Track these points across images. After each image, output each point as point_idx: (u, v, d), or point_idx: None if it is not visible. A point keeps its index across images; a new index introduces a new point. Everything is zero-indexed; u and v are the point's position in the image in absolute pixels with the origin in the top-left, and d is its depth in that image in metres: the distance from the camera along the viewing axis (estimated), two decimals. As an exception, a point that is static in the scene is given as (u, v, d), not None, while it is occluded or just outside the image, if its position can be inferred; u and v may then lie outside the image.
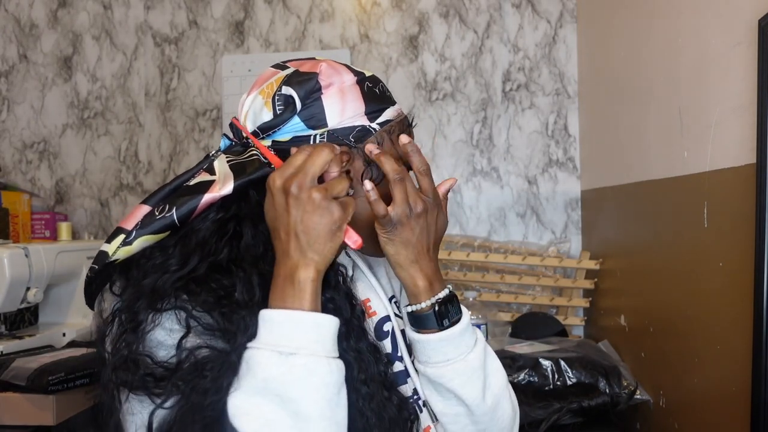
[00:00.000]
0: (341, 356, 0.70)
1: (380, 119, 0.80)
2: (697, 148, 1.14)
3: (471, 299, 1.66)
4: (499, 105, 2.05)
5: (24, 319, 1.68)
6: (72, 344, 1.64)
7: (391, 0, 2.08)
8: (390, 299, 0.90)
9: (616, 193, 1.65)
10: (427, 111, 2.07)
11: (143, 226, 0.74)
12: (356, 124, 0.78)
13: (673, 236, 1.26)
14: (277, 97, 0.78)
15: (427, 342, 0.78)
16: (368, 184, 0.75)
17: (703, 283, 1.13)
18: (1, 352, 1.49)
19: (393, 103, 0.83)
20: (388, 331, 0.86)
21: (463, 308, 0.81)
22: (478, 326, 1.54)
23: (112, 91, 2.19)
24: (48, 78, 2.22)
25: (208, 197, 0.74)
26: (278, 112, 0.78)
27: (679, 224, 1.22)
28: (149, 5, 2.18)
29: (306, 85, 0.77)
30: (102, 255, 0.74)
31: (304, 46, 2.11)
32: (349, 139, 0.78)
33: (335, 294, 0.75)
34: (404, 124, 0.83)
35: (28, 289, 1.54)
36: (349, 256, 0.89)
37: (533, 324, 1.75)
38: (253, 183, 0.75)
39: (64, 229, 1.81)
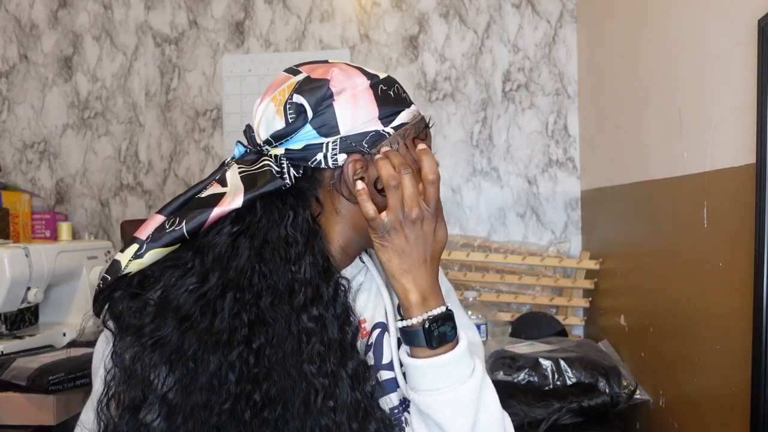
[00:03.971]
0: (311, 379, 0.70)
1: (394, 123, 0.79)
2: (697, 148, 1.14)
3: (471, 299, 1.65)
4: (499, 105, 2.05)
5: (24, 319, 1.68)
6: (72, 344, 1.64)
7: (391, 0, 2.09)
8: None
9: (616, 193, 1.65)
10: (427, 111, 2.07)
11: (154, 239, 0.74)
12: (369, 129, 0.77)
13: (673, 236, 1.26)
14: (288, 106, 0.77)
15: (417, 367, 0.74)
16: (360, 184, 0.75)
17: (703, 283, 1.13)
18: (2, 352, 1.49)
19: (408, 105, 0.82)
20: (371, 344, 0.83)
21: (462, 335, 0.76)
22: (478, 327, 1.54)
23: (112, 91, 2.20)
24: (48, 78, 2.22)
25: (217, 211, 0.73)
26: (290, 120, 0.76)
27: (679, 224, 1.22)
28: (149, 5, 2.18)
29: (317, 92, 0.76)
30: (116, 265, 0.74)
31: (304, 47, 2.12)
32: (362, 145, 0.77)
33: (325, 311, 0.73)
34: (420, 127, 0.82)
35: (28, 289, 1.54)
36: (362, 261, 0.88)
37: (533, 324, 1.75)
38: (262, 196, 0.74)
39: (64, 229, 1.81)
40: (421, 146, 0.77)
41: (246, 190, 0.74)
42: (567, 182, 2.03)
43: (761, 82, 0.91)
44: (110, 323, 0.74)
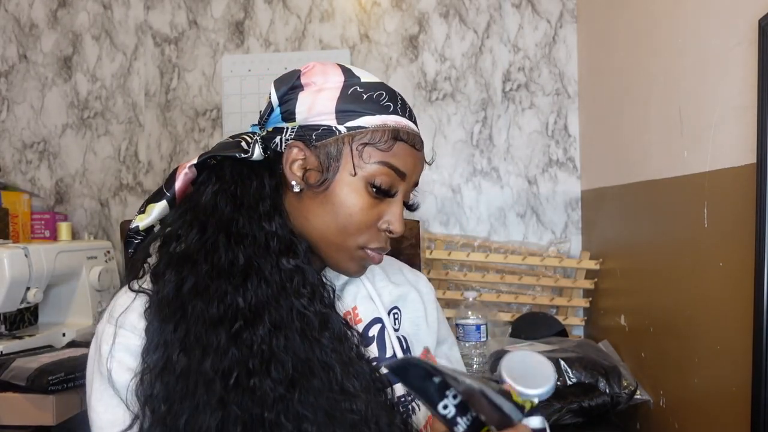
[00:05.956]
0: (303, 311, 0.75)
1: (350, 123, 0.78)
2: (697, 148, 1.14)
3: (471, 299, 1.65)
4: (499, 105, 2.05)
5: (24, 319, 1.68)
6: (72, 344, 1.64)
7: (391, 0, 2.08)
8: (390, 311, 0.91)
9: (616, 193, 1.65)
10: (427, 111, 2.07)
11: (151, 195, 0.85)
12: (322, 123, 0.79)
13: (673, 236, 1.26)
14: (271, 93, 0.84)
15: None
16: None
17: (703, 283, 1.13)
18: (1, 352, 1.49)
19: (382, 112, 0.79)
20: (374, 336, 0.87)
21: None
22: (478, 327, 1.54)
23: (112, 91, 2.19)
24: (48, 78, 2.22)
25: (179, 169, 0.83)
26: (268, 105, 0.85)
27: (679, 224, 1.22)
28: (149, 5, 2.18)
29: (287, 82, 0.82)
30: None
31: (304, 46, 2.12)
32: (311, 137, 0.80)
33: (302, 263, 0.79)
34: (382, 137, 0.79)
35: (28, 289, 1.54)
36: None
37: (533, 324, 1.75)
38: (229, 161, 0.81)
39: (63, 229, 1.81)
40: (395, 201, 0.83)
41: (209, 152, 0.82)
42: (567, 182, 2.03)
43: (761, 82, 0.91)
44: (140, 283, 0.81)
